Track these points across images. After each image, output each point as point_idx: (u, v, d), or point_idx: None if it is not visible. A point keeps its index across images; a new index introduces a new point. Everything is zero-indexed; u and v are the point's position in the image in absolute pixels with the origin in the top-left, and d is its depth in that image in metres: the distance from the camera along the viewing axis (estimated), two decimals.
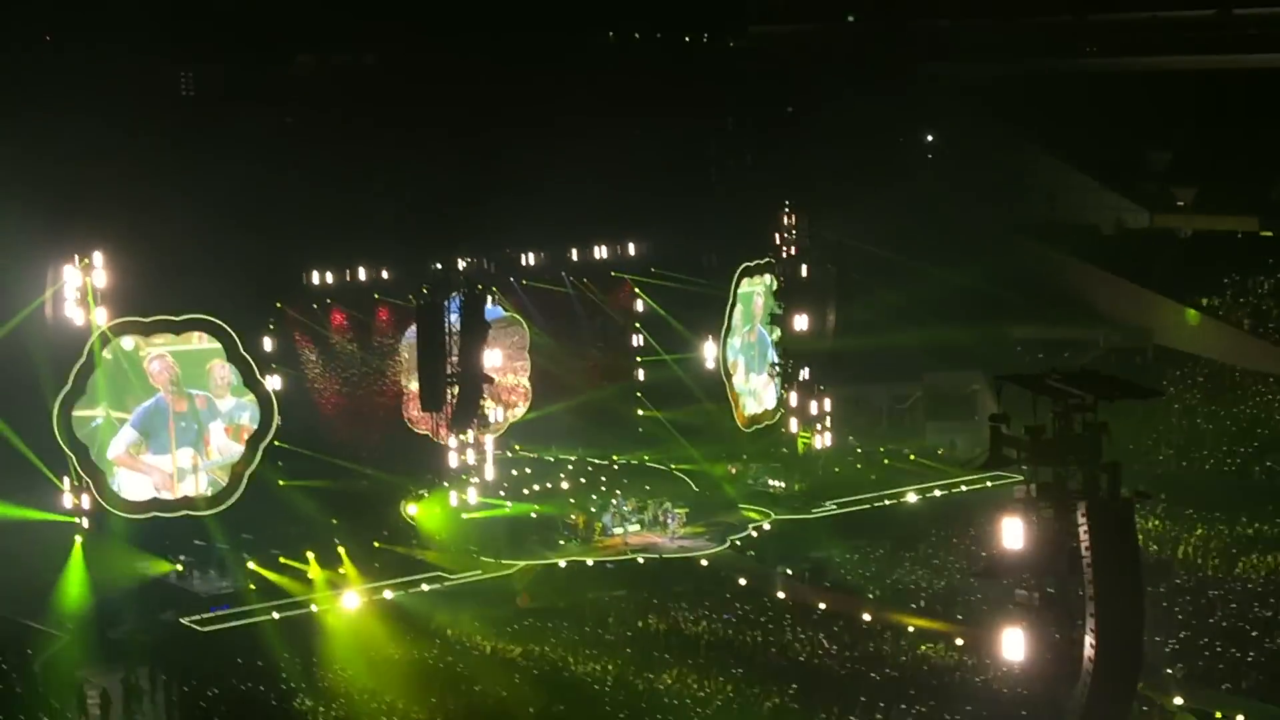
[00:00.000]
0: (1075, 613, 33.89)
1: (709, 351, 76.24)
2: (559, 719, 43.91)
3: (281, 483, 63.81)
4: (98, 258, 59.56)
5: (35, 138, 60.24)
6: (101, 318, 59.89)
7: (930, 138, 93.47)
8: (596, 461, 73.99)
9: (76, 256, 59.41)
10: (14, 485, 58.34)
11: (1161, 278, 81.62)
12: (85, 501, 60.02)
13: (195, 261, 61.10)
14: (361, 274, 67.21)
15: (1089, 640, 33.33)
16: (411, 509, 65.70)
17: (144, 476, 61.73)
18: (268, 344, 63.50)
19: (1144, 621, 35.02)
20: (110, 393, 60.76)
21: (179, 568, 58.74)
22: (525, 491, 68.80)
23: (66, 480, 59.75)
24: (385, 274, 67.86)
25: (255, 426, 63.48)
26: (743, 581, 58.26)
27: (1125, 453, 37.01)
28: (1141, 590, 35.32)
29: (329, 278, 66.60)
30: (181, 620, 53.98)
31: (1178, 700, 43.36)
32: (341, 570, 58.57)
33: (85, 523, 59.81)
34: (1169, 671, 45.79)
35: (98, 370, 60.35)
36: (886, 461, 75.05)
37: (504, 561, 60.35)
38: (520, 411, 74.48)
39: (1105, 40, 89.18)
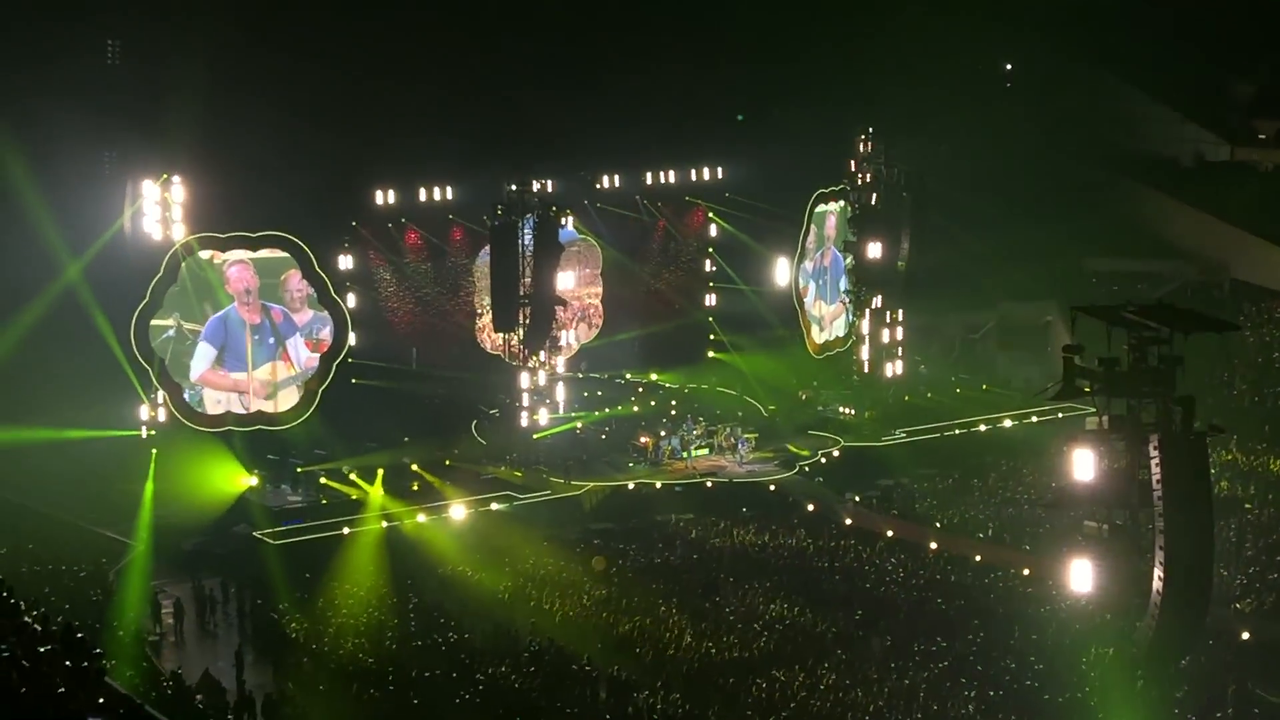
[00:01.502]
0: (1144, 545, 33.90)
1: (782, 274, 75.96)
2: (626, 638, 44.25)
3: (354, 400, 64.31)
4: (176, 175, 59.91)
5: (115, 56, 60.58)
6: (179, 233, 60.30)
7: (1009, 66, 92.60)
8: (667, 385, 74.18)
9: (156, 172, 59.76)
10: (91, 397, 59.04)
11: (1240, 211, 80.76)
12: (161, 414, 60.65)
13: (272, 179, 61.36)
14: (436, 194, 67.27)
15: (1157, 573, 33.39)
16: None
17: (224, 392, 62.30)
18: (343, 262, 63.77)
19: (1213, 555, 35.00)
20: (183, 303, 61.27)
21: (253, 481, 59.31)
22: (596, 413, 69.17)
23: (143, 392, 60.35)
24: (460, 195, 67.90)
25: (331, 341, 63.91)
26: (810, 507, 58.44)
27: (1199, 387, 36.79)
28: (1212, 524, 35.31)
29: (404, 197, 66.72)
30: (254, 533, 54.61)
31: (1245, 634, 43.28)
32: (415, 487, 59.09)
33: (160, 435, 60.45)
34: (1237, 606, 45.71)
35: (175, 285, 60.85)
36: (958, 391, 74.93)
37: (573, 482, 60.68)
38: (593, 332, 74.67)
39: None
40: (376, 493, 58.32)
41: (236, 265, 62.06)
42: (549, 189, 67.33)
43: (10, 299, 57.87)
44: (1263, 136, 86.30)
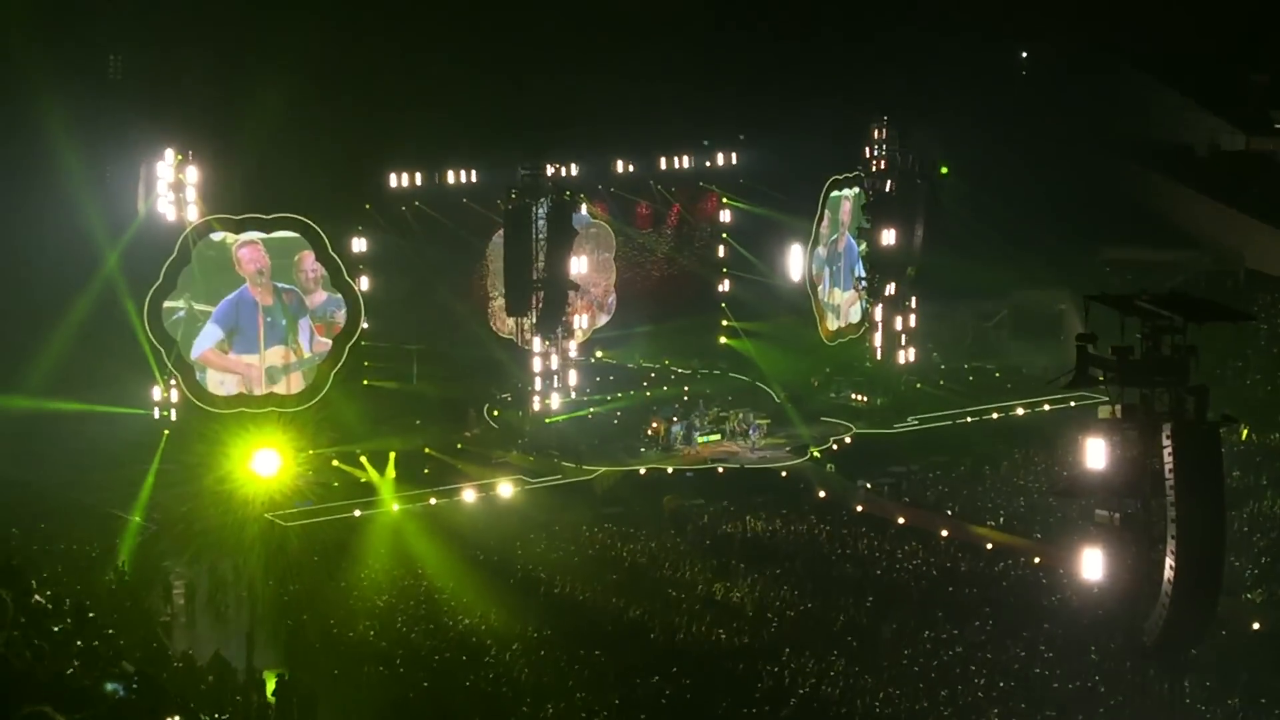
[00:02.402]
0: (1155, 534, 33.79)
1: (795, 262, 75.97)
2: (637, 623, 44.30)
3: (366, 382, 64.38)
4: (190, 154, 60.01)
5: (131, 33, 60.67)
6: (193, 214, 60.39)
7: (1024, 54, 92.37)
8: (680, 371, 74.25)
9: (170, 152, 59.84)
10: (104, 377, 59.20)
11: (1256, 201, 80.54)
12: (174, 395, 60.81)
13: (286, 161, 61.45)
14: (450, 178, 67.30)
15: (1169, 562, 33.24)
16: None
17: (230, 375, 62.37)
18: (356, 245, 63.75)
19: (1225, 545, 34.93)
20: (194, 284, 61.39)
21: (265, 463, 59.24)
22: (609, 398, 69.31)
23: (157, 372, 60.54)
24: (474, 178, 67.92)
25: (344, 324, 63.94)
26: (822, 494, 58.45)
27: (1212, 376, 36.73)
28: (1224, 514, 35.22)
29: (418, 180, 66.76)
30: (266, 515, 54.65)
31: (1256, 625, 43.28)
32: (426, 470, 59.12)
33: (174, 415, 60.67)
34: (1248, 596, 45.70)
35: (188, 265, 60.94)
36: (971, 379, 74.89)
37: (585, 466, 60.71)
38: (606, 317, 74.71)
39: None
40: (389, 476, 58.38)
41: (247, 246, 62.09)
42: (563, 173, 67.34)
43: (34, 277, 58.25)
44: (1278, 127, 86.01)
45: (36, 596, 27.29)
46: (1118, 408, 34.35)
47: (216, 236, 61.43)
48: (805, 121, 73.06)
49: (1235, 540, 47.59)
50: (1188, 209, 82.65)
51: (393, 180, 65.87)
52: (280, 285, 62.89)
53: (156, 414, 60.69)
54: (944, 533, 53.01)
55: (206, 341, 61.92)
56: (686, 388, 71.51)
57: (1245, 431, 60.76)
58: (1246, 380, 70.31)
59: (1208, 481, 33.90)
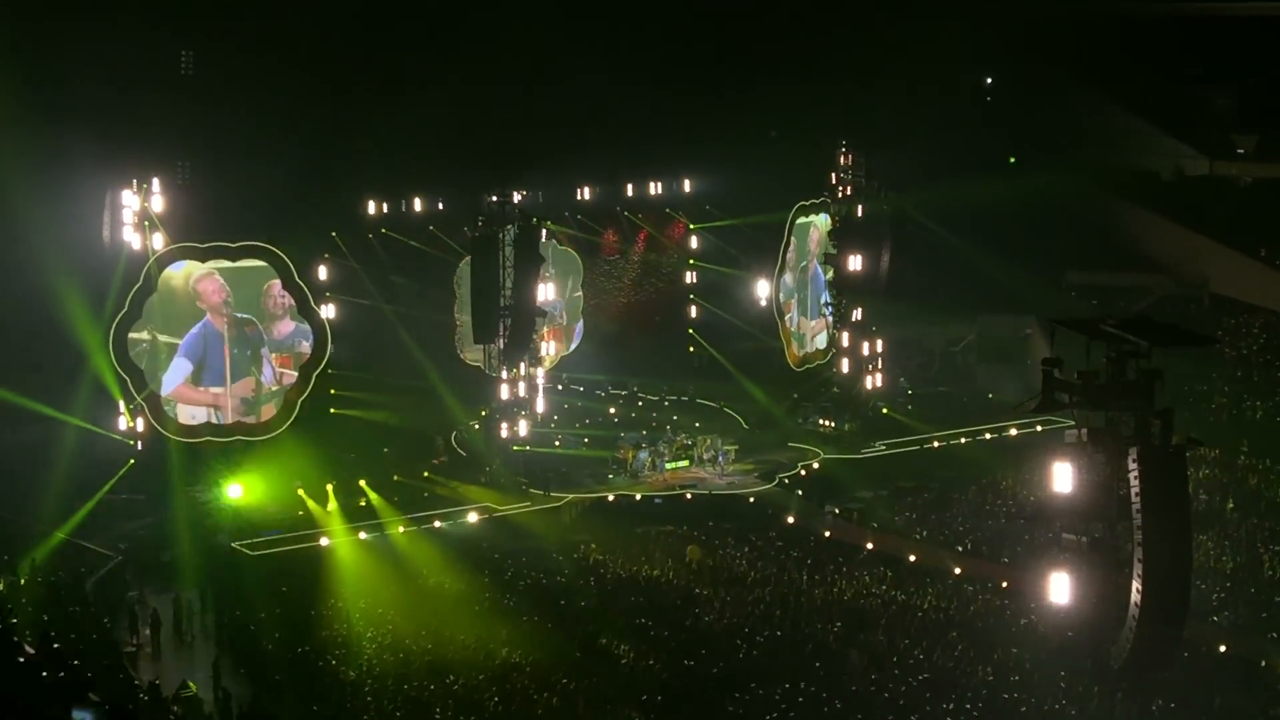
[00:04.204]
0: (1122, 558, 33.90)
1: (762, 289, 76.17)
2: (605, 651, 44.19)
3: (333, 411, 64.20)
4: (155, 183, 59.89)
5: (95, 62, 60.52)
6: (158, 242, 60.23)
7: (989, 80, 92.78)
8: (648, 397, 74.30)
9: (135, 181, 59.71)
10: (73, 405, 59.09)
11: (1219, 225, 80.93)
12: (140, 424, 60.58)
13: (251, 189, 61.32)
14: (417, 205, 67.34)
15: (1136, 585, 33.36)
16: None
17: (200, 407, 62.23)
18: (322, 272, 63.65)
19: (1191, 568, 35.05)
20: (159, 315, 61.18)
21: (233, 492, 59.09)
22: (576, 425, 69.29)
23: (122, 402, 60.34)
24: (441, 206, 67.97)
25: (311, 352, 63.80)
26: (790, 520, 58.40)
27: (1178, 400, 36.84)
28: (1190, 537, 35.38)
29: (385, 208, 66.79)
30: (233, 544, 54.44)
31: (1222, 648, 43.36)
32: (395, 499, 58.95)
33: (139, 445, 60.45)
34: (1214, 619, 45.76)
35: (154, 294, 60.76)
36: (938, 404, 75.00)
37: (552, 494, 60.61)
38: (574, 344, 74.70)
39: None
40: (358, 504, 58.20)
41: (206, 279, 61.84)
42: (530, 200, 67.34)
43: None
44: (1241, 151, 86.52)
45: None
46: (1084, 431, 34.50)
47: (178, 267, 61.22)
48: (772, 148, 73.26)
49: (1201, 563, 47.76)
50: (1152, 233, 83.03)
51: (359, 208, 65.85)
52: (241, 316, 62.67)
53: (138, 444, 60.51)
54: (912, 558, 52.99)
55: (177, 376, 61.76)
56: (654, 414, 71.53)
57: (1208, 468, 60.88)
58: (1212, 404, 70.58)
59: (1174, 505, 34.06)
